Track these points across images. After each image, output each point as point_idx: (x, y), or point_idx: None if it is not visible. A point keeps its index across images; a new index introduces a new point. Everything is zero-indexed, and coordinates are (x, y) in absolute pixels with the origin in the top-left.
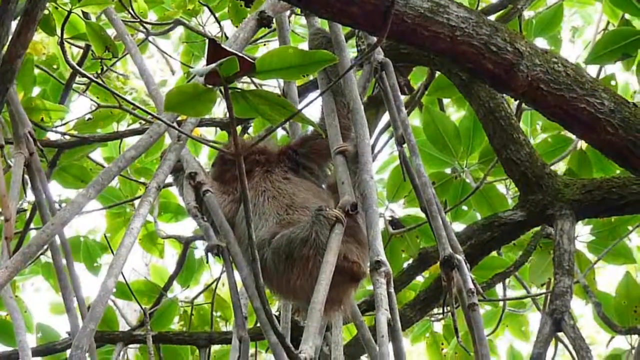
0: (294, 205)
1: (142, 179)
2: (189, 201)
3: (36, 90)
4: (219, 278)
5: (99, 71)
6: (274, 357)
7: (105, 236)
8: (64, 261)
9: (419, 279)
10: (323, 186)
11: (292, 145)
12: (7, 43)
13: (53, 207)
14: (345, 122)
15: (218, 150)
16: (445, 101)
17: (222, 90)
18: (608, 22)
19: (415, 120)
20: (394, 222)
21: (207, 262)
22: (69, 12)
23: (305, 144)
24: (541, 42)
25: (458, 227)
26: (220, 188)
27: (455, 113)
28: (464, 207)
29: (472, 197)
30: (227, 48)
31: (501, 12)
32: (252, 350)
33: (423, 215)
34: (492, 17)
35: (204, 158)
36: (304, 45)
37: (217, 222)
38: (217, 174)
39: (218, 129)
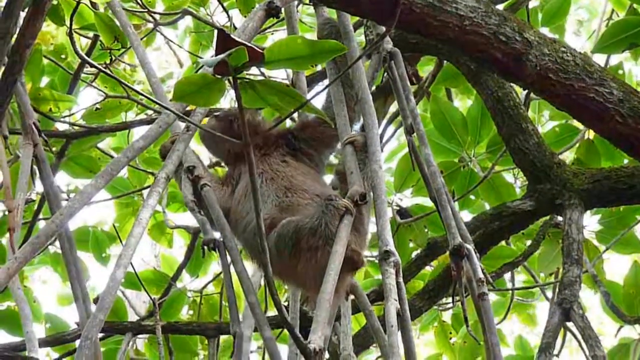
0: (292, 187)
1: (150, 169)
2: (186, 195)
3: (45, 81)
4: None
5: (108, 61)
6: (267, 353)
7: (114, 226)
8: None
9: (428, 268)
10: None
11: (293, 129)
12: (16, 33)
13: (59, 198)
14: (350, 115)
15: (228, 140)
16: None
17: (231, 80)
18: (612, 11)
19: (422, 109)
20: (402, 212)
21: (203, 256)
22: (78, 3)
23: (306, 129)
24: (546, 32)
25: (466, 216)
26: (219, 180)
27: (459, 102)
28: (472, 197)
29: (480, 186)
30: (236, 38)
31: (509, 1)
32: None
33: (431, 204)
34: (500, 7)
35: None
36: (312, 35)
37: (214, 217)
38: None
39: None
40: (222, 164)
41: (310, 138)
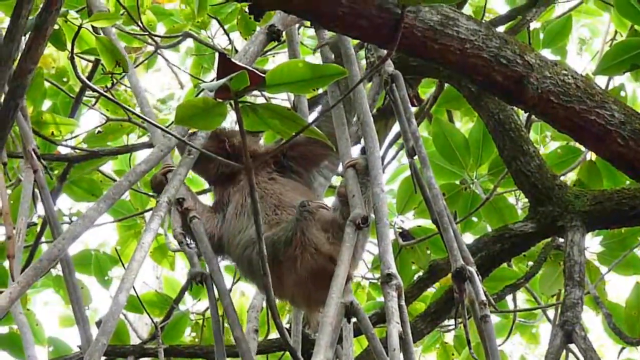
0: (281, 205)
1: (152, 192)
2: (175, 227)
3: (47, 104)
4: (230, 290)
5: (109, 84)
6: None
7: (116, 249)
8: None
9: (430, 290)
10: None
11: (281, 146)
12: (18, 58)
13: (59, 224)
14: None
15: (227, 164)
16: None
17: (233, 104)
18: (616, 33)
19: (423, 131)
20: (404, 234)
21: (191, 289)
22: (79, 27)
23: (294, 148)
24: (548, 53)
25: (468, 238)
26: (209, 209)
27: (461, 123)
28: (474, 219)
29: (482, 208)
30: (237, 62)
31: (509, 23)
32: None
33: (433, 226)
34: (501, 29)
35: None
36: (313, 58)
37: (202, 250)
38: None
39: None
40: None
41: (299, 156)
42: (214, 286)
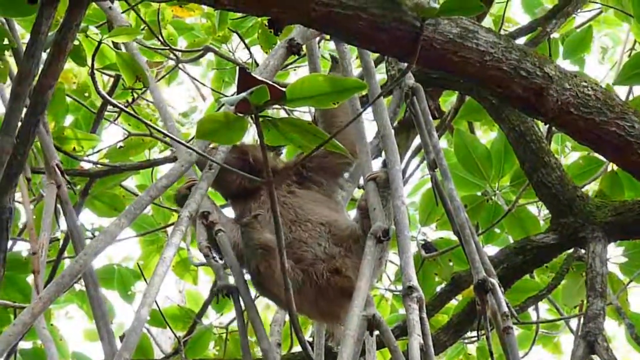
0: (298, 220)
1: (174, 207)
2: (200, 241)
3: (69, 119)
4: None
5: (130, 99)
6: None
7: (138, 264)
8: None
9: (453, 302)
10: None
11: (300, 160)
12: (38, 74)
13: (82, 239)
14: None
15: (248, 177)
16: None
17: (253, 118)
18: (635, 43)
19: (444, 143)
20: (427, 246)
21: (217, 302)
22: (99, 43)
23: (313, 159)
24: (568, 64)
25: (490, 250)
26: (233, 222)
27: (482, 134)
28: (497, 230)
29: (504, 220)
30: (258, 77)
31: (530, 34)
32: None
33: (455, 238)
34: (523, 39)
35: None
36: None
37: (229, 263)
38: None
39: None
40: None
41: (319, 167)
42: (240, 299)
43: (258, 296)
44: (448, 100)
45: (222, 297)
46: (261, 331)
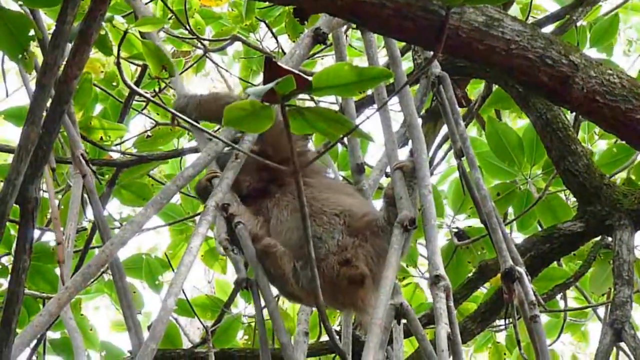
0: (312, 213)
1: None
2: (219, 233)
3: (98, 108)
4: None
5: (157, 89)
6: None
7: (166, 254)
8: (126, 279)
9: (482, 290)
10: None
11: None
12: (63, 64)
13: (108, 228)
14: None
15: (273, 166)
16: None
17: (279, 107)
18: None
19: (472, 131)
20: (460, 234)
21: (236, 295)
22: (125, 32)
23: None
24: (594, 52)
25: (519, 238)
26: (249, 211)
27: (511, 122)
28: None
29: (536, 207)
30: (284, 66)
31: (558, 22)
32: None
33: None
34: (552, 27)
35: None
36: (361, 60)
37: (248, 256)
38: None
39: None
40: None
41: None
42: (260, 292)
43: None
44: (476, 89)
45: (242, 289)
46: (280, 325)
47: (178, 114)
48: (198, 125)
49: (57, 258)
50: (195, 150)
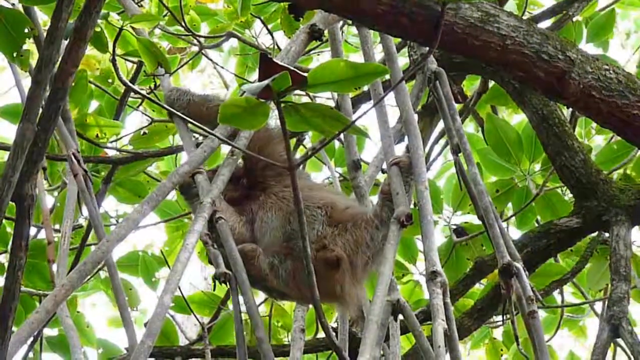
0: (293, 212)
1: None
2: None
3: (94, 105)
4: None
5: (152, 86)
6: None
7: (162, 251)
8: (122, 276)
9: (478, 286)
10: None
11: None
12: (58, 61)
13: (100, 226)
14: None
15: (270, 163)
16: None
17: (275, 103)
18: None
19: (469, 127)
20: (459, 231)
21: (214, 289)
22: (120, 29)
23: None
24: (591, 47)
25: (516, 234)
26: (234, 210)
27: (507, 118)
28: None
29: (536, 204)
30: (279, 62)
31: (553, 18)
32: None
33: None
34: (549, 22)
35: None
36: (357, 56)
37: (227, 250)
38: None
39: None
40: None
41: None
42: (238, 287)
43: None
44: (472, 85)
45: (220, 284)
46: (256, 319)
47: (175, 111)
48: (194, 122)
49: (47, 257)
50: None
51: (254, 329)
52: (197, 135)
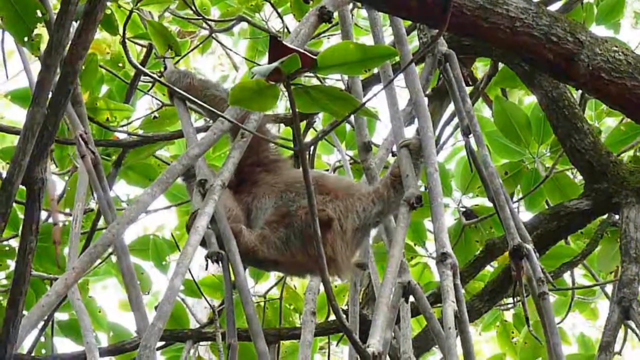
0: (287, 187)
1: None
2: (196, 208)
3: (104, 89)
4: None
5: (163, 69)
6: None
7: (172, 234)
8: (132, 259)
9: (489, 268)
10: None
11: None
12: (68, 45)
13: (113, 209)
14: None
15: (280, 146)
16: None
17: (285, 86)
18: None
19: (481, 111)
20: (468, 213)
21: (206, 269)
22: (131, 12)
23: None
24: (602, 29)
25: (526, 216)
26: (232, 195)
27: (516, 101)
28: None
29: (545, 186)
30: (289, 45)
31: (563, 0)
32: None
33: None
34: (559, 4)
35: None
36: (368, 39)
37: (221, 230)
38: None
39: (282, 125)
40: None
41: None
42: (230, 265)
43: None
44: (484, 65)
45: (212, 262)
46: (246, 297)
47: (184, 93)
48: (206, 105)
49: (66, 239)
50: (201, 130)
51: (243, 306)
52: (206, 119)
